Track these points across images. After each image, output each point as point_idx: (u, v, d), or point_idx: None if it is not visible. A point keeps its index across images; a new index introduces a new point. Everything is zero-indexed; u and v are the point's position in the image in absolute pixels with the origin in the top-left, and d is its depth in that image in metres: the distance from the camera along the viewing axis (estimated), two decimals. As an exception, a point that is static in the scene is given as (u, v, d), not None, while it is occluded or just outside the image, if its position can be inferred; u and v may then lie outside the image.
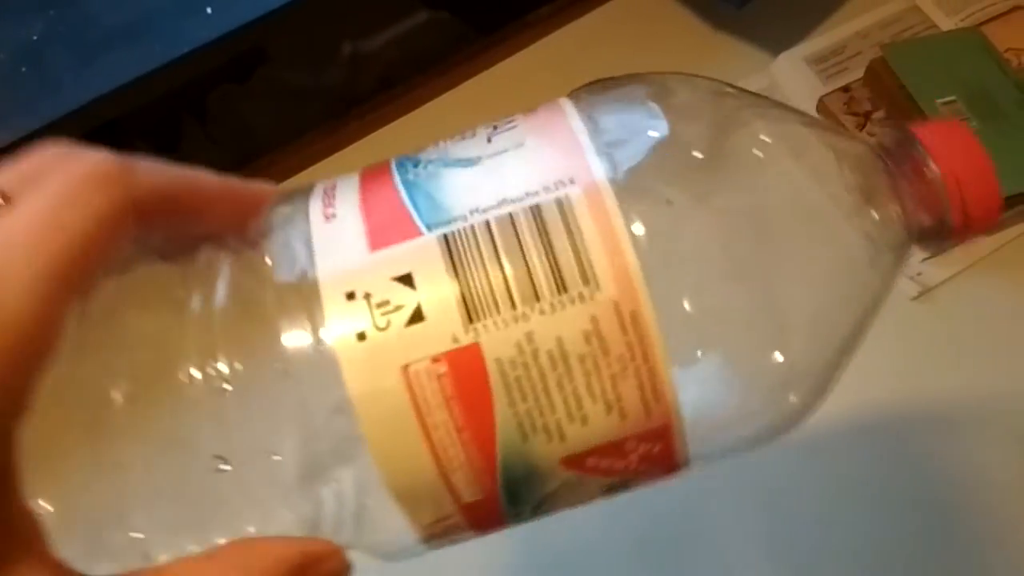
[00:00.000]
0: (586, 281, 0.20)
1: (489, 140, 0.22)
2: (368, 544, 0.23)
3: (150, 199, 0.20)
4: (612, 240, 0.20)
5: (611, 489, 0.23)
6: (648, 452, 0.22)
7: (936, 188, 0.24)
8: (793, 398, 0.23)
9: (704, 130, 0.22)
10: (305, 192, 0.23)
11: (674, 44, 0.54)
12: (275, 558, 0.21)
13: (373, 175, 0.23)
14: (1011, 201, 0.45)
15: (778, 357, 0.22)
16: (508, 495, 0.22)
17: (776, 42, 0.53)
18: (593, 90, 0.24)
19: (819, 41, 0.53)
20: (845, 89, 0.51)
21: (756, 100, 0.24)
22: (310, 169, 0.52)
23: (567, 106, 0.23)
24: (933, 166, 0.24)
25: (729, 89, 0.24)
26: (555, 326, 0.20)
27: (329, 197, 0.22)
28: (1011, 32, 0.51)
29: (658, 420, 0.21)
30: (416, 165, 0.22)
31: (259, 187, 0.23)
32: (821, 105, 0.51)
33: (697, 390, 0.21)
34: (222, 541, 0.21)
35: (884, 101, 0.50)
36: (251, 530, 0.22)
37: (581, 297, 0.20)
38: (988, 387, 0.43)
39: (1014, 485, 0.41)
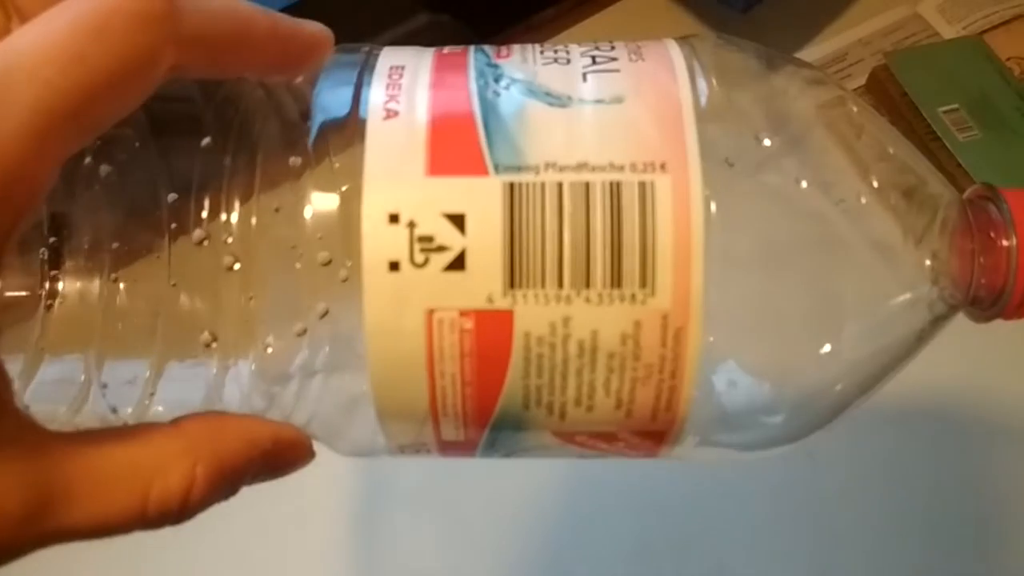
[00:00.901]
0: (643, 284, 0.19)
1: (584, 78, 0.20)
2: (326, 437, 0.22)
3: (192, 44, 0.17)
4: (684, 250, 0.18)
5: (586, 456, 0.22)
6: (638, 443, 0.21)
7: (1005, 259, 0.23)
8: (797, 421, 0.22)
9: (813, 144, 0.20)
10: (369, 62, 0.21)
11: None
12: (247, 440, 0.20)
13: (448, 70, 0.20)
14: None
15: (809, 383, 0.21)
16: (488, 443, 0.21)
17: (778, 48, 0.54)
18: (709, 49, 0.21)
19: (821, 48, 0.53)
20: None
21: (866, 112, 0.22)
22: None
23: (678, 64, 0.20)
24: (1012, 236, 0.22)
25: (838, 91, 0.22)
26: (596, 319, 0.19)
27: (395, 85, 0.20)
28: (1013, 40, 0.52)
29: (660, 425, 0.20)
30: (498, 79, 0.20)
31: (312, 33, 0.20)
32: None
33: (709, 405, 0.21)
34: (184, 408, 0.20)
35: (886, 109, 0.50)
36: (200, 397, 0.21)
37: (632, 298, 0.19)
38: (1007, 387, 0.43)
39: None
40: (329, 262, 0.20)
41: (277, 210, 0.20)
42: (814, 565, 0.41)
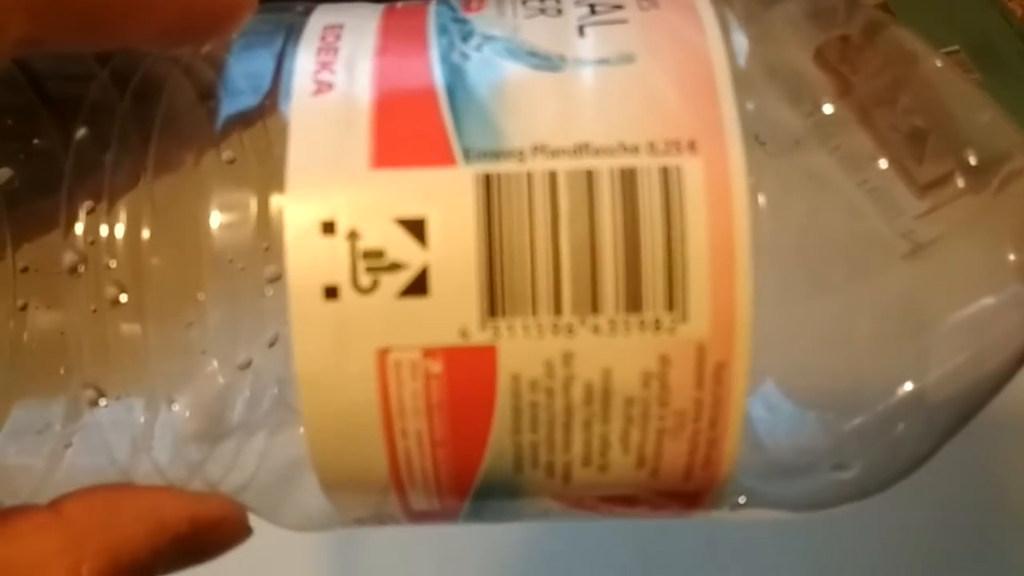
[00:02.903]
0: (670, 305, 0.14)
1: (581, 32, 0.15)
2: (262, 510, 0.17)
3: (50, 7, 0.13)
4: (725, 258, 0.14)
5: (597, 520, 0.18)
6: (664, 504, 0.16)
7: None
8: (866, 469, 0.18)
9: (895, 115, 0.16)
10: (298, 22, 0.16)
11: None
12: (152, 523, 0.15)
13: (401, 29, 0.15)
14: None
15: (883, 420, 0.17)
16: (471, 512, 0.16)
17: None
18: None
19: None
20: (843, 38, 0.47)
21: (950, 73, 0.17)
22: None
23: (704, 11, 0.15)
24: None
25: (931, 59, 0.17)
26: (607, 353, 0.14)
27: (329, 50, 0.15)
28: None
29: (696, 486, 0.16)
30: (467, 38, 0.15)
31: None
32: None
33: (759, 455, 0.16)
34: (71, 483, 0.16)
35: None
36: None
37: (657, 325, 0.14)
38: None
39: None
40: (278, 277, 0.15)
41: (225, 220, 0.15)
42: (808, 557, 0.38)
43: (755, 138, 0.16)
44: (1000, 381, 0.18)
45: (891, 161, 0.17)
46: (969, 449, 0.38)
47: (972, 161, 0.18)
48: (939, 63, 0.18)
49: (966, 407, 0.17)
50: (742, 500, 0.16)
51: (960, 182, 0.17)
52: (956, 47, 0.46)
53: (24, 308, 0.15)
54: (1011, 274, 0.18)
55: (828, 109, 0.16)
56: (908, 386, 0.16)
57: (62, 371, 0.15)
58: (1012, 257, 0.18)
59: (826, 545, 0.38)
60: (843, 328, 0.17)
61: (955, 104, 0.19)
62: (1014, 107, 0.43)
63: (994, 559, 0.38)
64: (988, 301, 0.18)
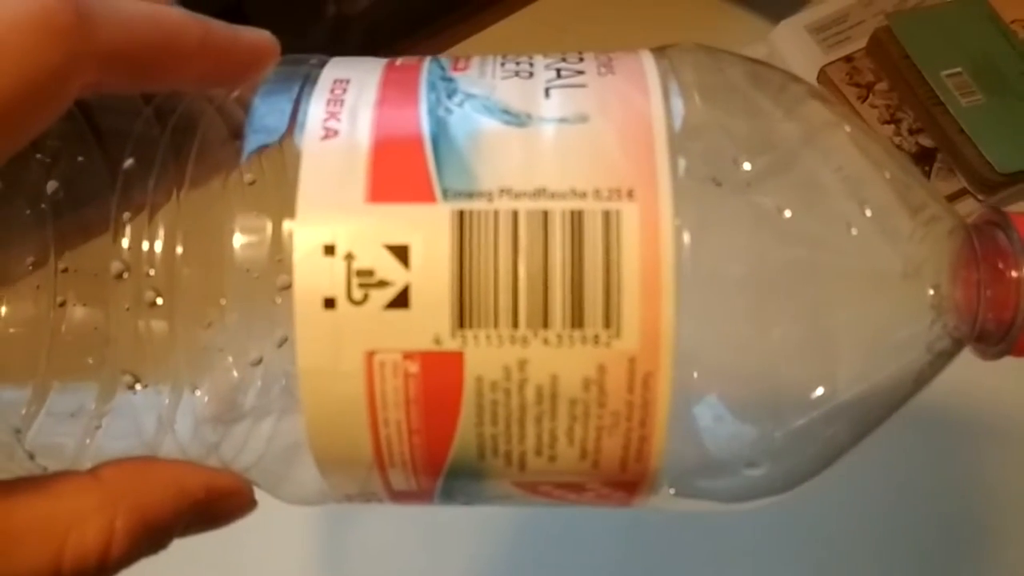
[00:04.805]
0: (607, 324, 0.17)
1: (547, 94, 0.18)
2: (266, 485, 0.20)
3: (109, 59, 0.16)
4: (653, 287, 0.17)
5: (555, 506, 0.21)
6: (608, 494, 0.19)
7: (1014, 292, 0.21)
8: (772, 469, 0.20)
9: (800, 176, 0.19)
10: (312, 74, 0.19)
11: (672, 8, 0.52)
12: (175, 490, 0.18)
13: (397, 84, 0.18)
14: (1016, 176, 0.44)
15: (797, 426, 0.19)
16: (444, 493, 0.19)
17: (776, 9, 0.52)
18: (689, 61, 0.19)
19: (821, 9, 0.50)
20: (848, 59, 0.49)
21: (861, 132, 0.20)
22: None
23: (651, 79, 0.18)
24: (1022, 266, 0.20)
25: (830, 115, 0.20)
26: (555, 362, 0.17)
27: (336, 101, 0.18)
28: (1018, 2, 0.49)
29: (631, 476, 0.18)
30: (452, 95, 0.18)
31: (252, 43, 0.18)
32: (823, 75, 0.48)
33: (687, 452, 0.19)
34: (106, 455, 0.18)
35: (888, 72, 0.48)
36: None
37: (596, 339, 0.17)
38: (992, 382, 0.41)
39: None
40: (288, 287, 0.18)
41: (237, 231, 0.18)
42: (813, 551, 0.39)
43: (712, 180, 0.19)
44: (902, 399, 0.21)
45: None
46: (968, 454, 0.40)
47: (946, 240, 0.20)
48: (860, 130, 0.21)
49: (868, 420, 0.20)
50: (672, 491, 0.19)
51: (942, 261, 0.20)
52: (959, 68, 0.46)
53: (63, 304, 0.18)
54: (927, 307, 0.21)
55: (755, 163, 0.19)
56: (819, 395, 0.19)
57: (91, 360, 0.18)
58: (930, 292, 0.21)
59: (825, 547, 0.39)
60: (773, 350, 0.19)
61: (877, 161, 0.21)
62: (1016, 129, 0.45)
63: (992, 563, 0.39)
64: (902, 328, 0.21)
